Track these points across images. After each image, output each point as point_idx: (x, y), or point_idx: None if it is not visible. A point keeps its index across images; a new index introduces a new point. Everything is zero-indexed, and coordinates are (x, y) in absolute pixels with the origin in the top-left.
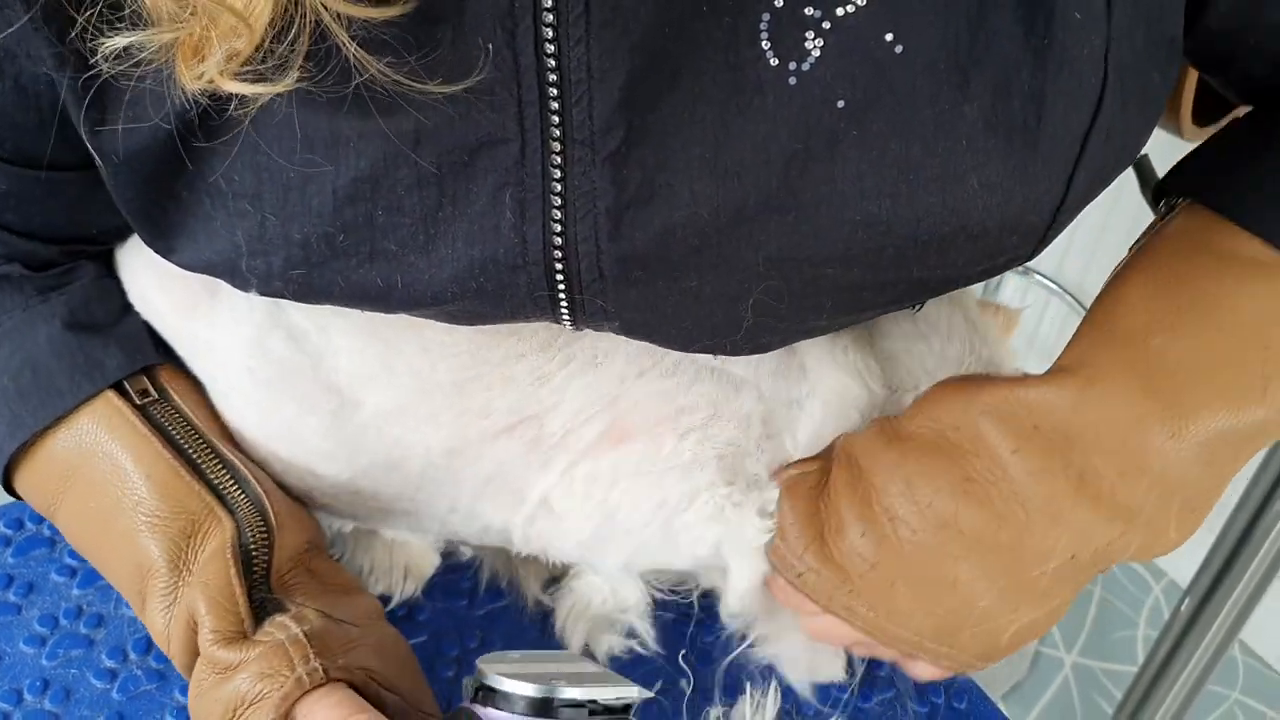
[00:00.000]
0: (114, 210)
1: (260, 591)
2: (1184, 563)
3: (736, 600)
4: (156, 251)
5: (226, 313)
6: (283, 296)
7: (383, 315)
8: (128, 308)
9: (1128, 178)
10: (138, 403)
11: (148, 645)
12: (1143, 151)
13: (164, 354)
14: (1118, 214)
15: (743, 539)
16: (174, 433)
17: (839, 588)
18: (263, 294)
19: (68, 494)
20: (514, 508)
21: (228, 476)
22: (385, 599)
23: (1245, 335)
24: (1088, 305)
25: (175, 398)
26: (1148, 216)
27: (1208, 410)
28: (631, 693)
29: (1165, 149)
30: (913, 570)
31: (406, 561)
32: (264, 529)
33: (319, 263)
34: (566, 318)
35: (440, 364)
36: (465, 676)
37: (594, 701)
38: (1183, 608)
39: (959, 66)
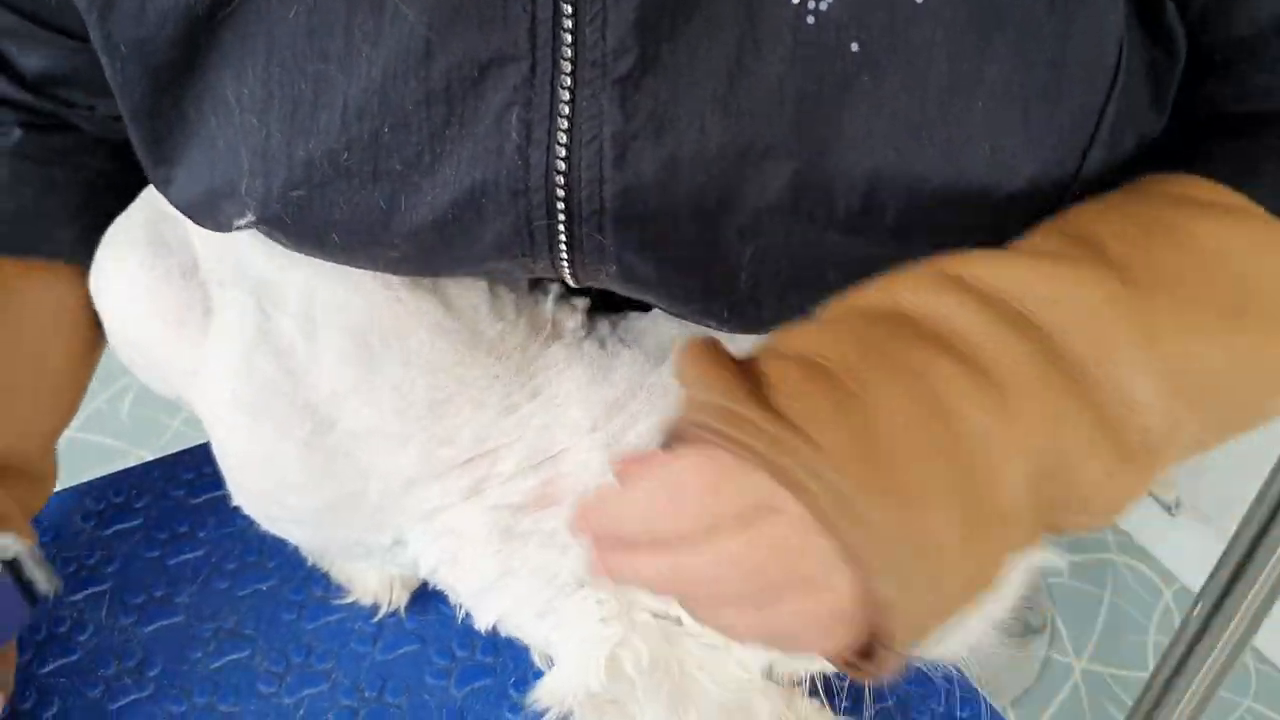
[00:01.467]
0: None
1: None
2: (1195, 568)
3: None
4: (156, 182)
5: (216, 329)
6: (278, 225)
7: (370, 322)
8: (17, 194)
9: None
10: None
11: (140, 653)
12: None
13: (8, 249)
14: None
15: (582, 645)
16: None
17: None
18: (259, 220)
19: None
20: (434, 538)
21: None
22: (376, 608)
23: (1212, 261)
24: None
25: None
26: None
27: (1173, 319)
28: (5, 543)
29: None
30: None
31: (392, 576)
32: None
33: (321, 183)
34: (564, 258)
35: (420, 379)
36: (455, 687)
37: None
38: (1195, 613)
39: (982, 25)
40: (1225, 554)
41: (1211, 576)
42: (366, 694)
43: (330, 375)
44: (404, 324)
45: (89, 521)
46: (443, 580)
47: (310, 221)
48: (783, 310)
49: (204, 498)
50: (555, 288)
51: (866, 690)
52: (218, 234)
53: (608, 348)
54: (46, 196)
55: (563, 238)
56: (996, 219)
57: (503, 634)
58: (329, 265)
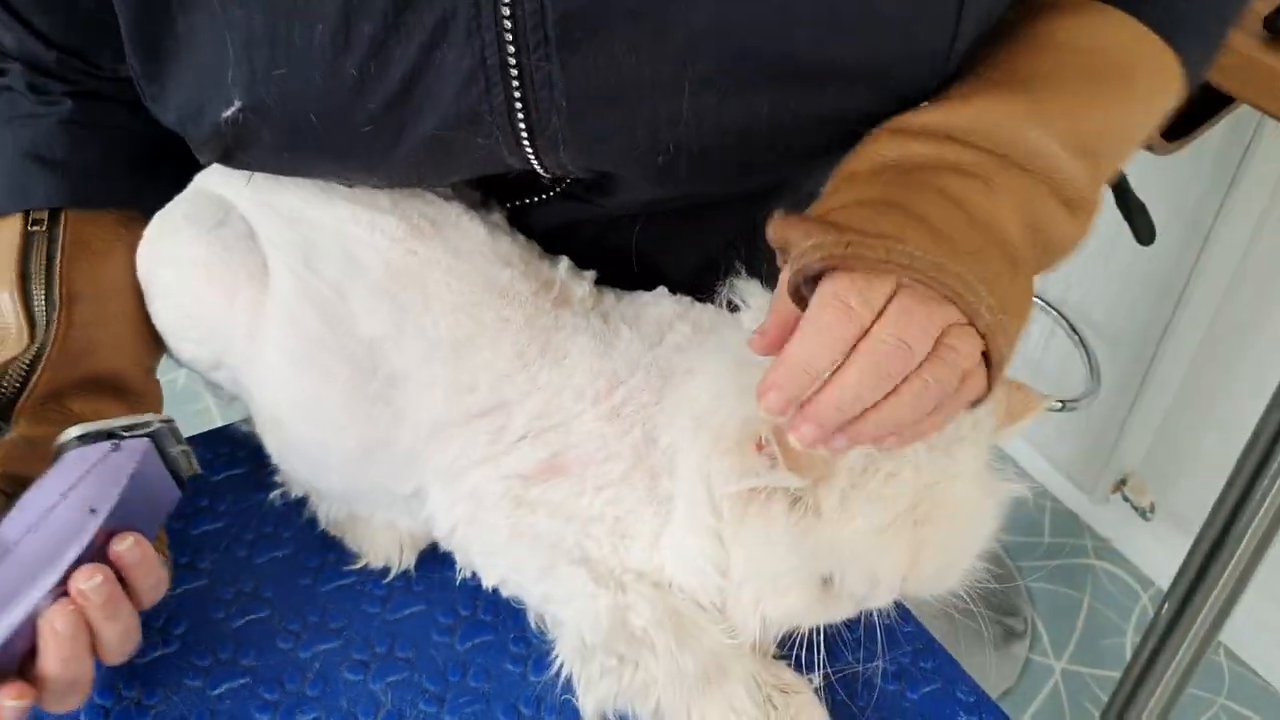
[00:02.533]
0: (106, 35)
1: None
2: (1171, 572)
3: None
4: (149, 101)
5: (262, 293)
6: (262, 113)
7: (390, 274)
8: (81, 155)
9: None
10: (27, 229)
11: (166, 614)
12: (1122, 173)
13: (88, 203)
14: (1097, 234)
15: (574, 625)
16: (31, 260)
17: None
18: (245, 105)
19: None
20: (454, 501)
21: (43, 300)
22: (385, 570)
23: (1064, 52)
24: (1072, 321)
25: (59, 236)
26: (1124, 236)
27: (1058, 108)
28: (147, 418)
29: (1143, 170)
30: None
31: (402, 536)
32: (28, 366)
33: (300, 58)
34: (517, 98)
35: (441, 319)
36: (458, 643)
37: (110, 431)
38: (1163, 611)
39: None
40: (1189, 555)
41: (1177, 577)
42: (377, 649)
43: (365, 323)
44: (419, 272)
45: None
46: (457, 539)
47: (290, 105)
48: (726, 171)
49: (223, 475)
50: (565, 259)
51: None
52: (264, 207)
53: (610, 324)
54: (106, 156)
55: (514, 73)
56: (896, 73)
57: (504, 594)
58: (350, 229)
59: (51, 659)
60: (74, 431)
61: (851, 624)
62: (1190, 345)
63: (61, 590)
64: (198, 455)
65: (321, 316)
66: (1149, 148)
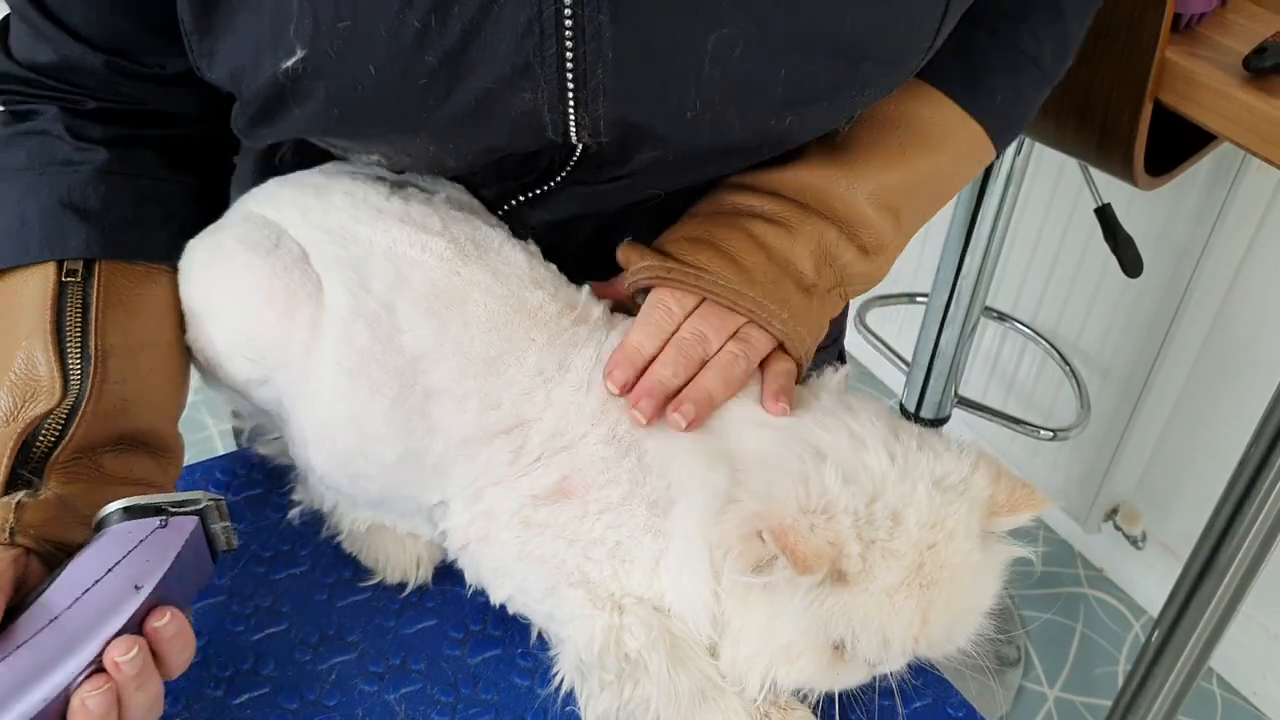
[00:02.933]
0: (156, 26)
1: (23, 468)
2: (1163, 600)
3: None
4: (200, 58)
5: (319, 311)
6: (321, 65)
7: (435, 293)
8: (116, 207)
9: (1095, 233)
10: (61, 279)
11: None
12: (1106, 202)
13: (121, 255)
14: (1086, 265)
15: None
16: (66, 312)
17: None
18: (306, 56)
19: None
20: (472, 518)
21: (78, 353)
22: (398, 586)
23: (883, 126)
24: (1063, 351)
25: (94, 288)
26: (1115, 268)
27: (866, 170)
28: (195, 495)
29: (1127, 201)
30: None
31: (418, 553)
32: (63, 421)
33: (366, 10)
34: (569, 49)
35: (477, 338)
36: (469, 656)
37: (158, 505)
38: (1153, 638)
39: None
40: (1178, 582)
41: (1166, 604)
42: (391, 662)
43: (409, 339)
44: (462, 292)
45: None
46: (469, 555)
47: (351, 57)
48: (733, 120)
49: (242, 495)
50: (587, 286)
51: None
52: (315, 229)
53: (613, 338)
54: (139, 208)
55: (568, 29)
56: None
57: (511, 611)
58: (402, 249)
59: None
60: (119, 504)
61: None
62: (1179, 376)
63: (96, 661)
64: (216, 475)
65: (372, 333)
66: (1132, 182)
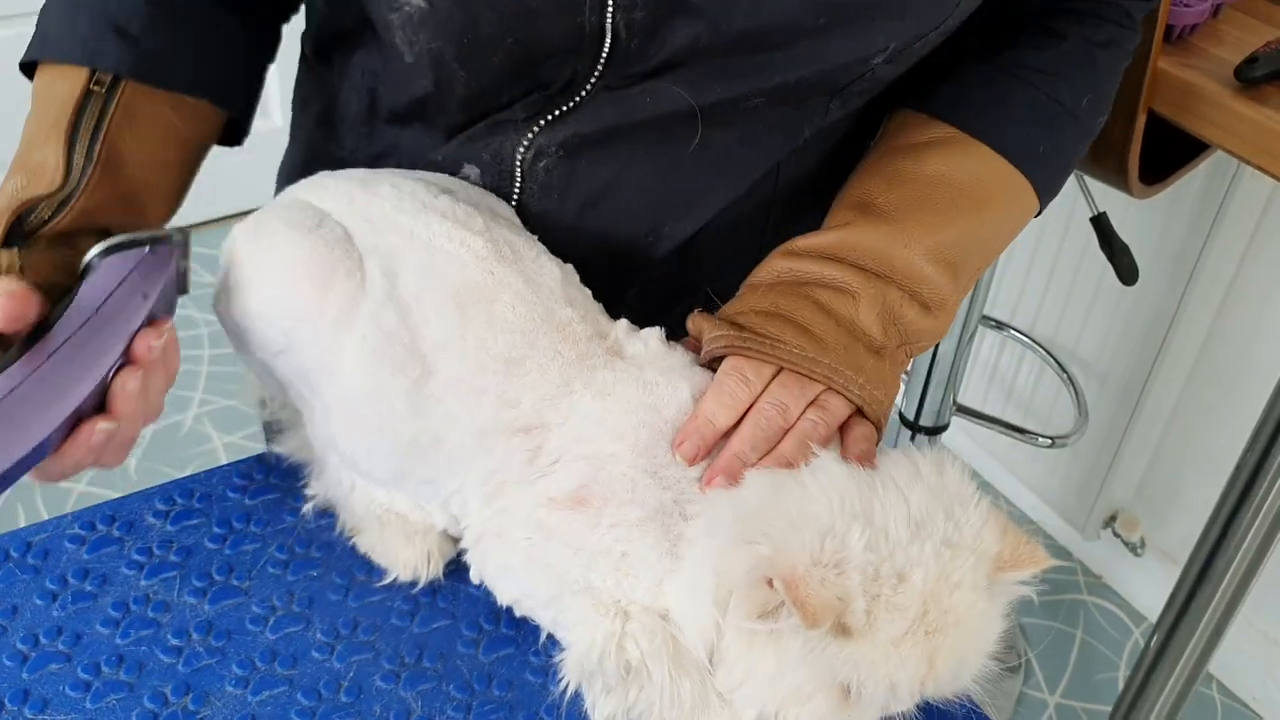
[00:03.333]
0: None
1: (16, 234)
2: (1161, 605)
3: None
4: None
5: (356, 288)
6: None
7: (466, 288)
8: (155, 34)
9: (1092, 242)
10: (90, 86)
11: (207, 627)
12: (1102, 211)
13: (148, 79)
14: (1084, 274)
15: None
16: (84, 116)
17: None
18: None
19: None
20: (490, 515)
21: (83, 154)
22: (412, 586)
23: (934, 184)
24: (1060, 359)
25: (114, 101)
26: (1112, 276)
27: (920, 229)
28: (167, 231)
29: (1123, 209)
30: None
31: (429, 549)
32: (55, 207)
33: None
34: None
35: (500, 338)
36: (482, 655)
37: (139, 239)
38: (1152, 643)
39: None
40: (1176, 588)
41: (1164, 609)
42: (406, 660)
43: (435, 328)
44: (492, 291)
45: (159, 518)
46: (480, 550)
47: None
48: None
49: (258, 500)
50: (623, 320)
51: None
52: (358, 217)
53: (660, 389)
54: (178, 39)
55: None
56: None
57: (518, 614)
58: (441, 242)
59: (122, 407)
60: (106, 243)
61: None
62: (1176, 383)
63: (125, 354)
64: (234, 479)
65: (401, 317)
66: (1127, 190)
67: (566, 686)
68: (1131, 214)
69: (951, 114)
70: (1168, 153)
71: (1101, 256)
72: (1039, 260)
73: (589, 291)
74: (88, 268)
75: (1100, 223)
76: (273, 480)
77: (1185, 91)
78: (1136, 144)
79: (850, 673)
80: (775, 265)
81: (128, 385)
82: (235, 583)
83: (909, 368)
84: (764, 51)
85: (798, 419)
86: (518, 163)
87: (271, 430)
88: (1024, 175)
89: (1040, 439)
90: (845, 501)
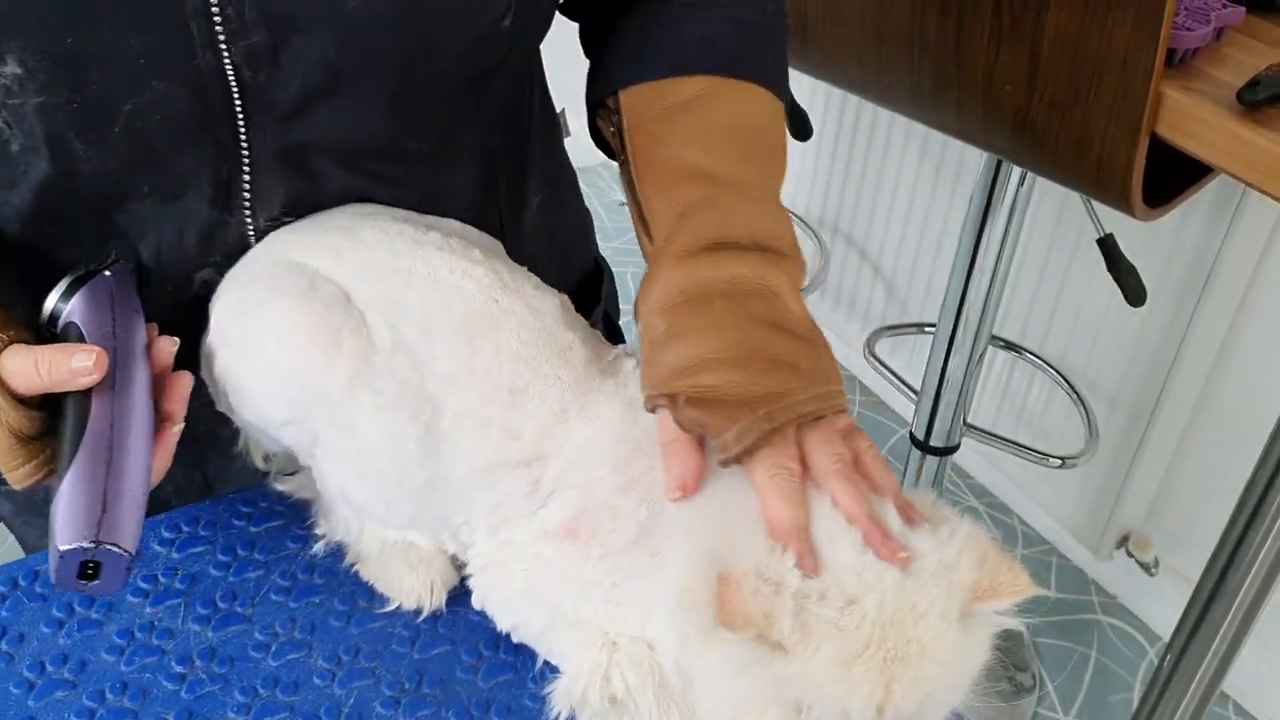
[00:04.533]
0: None
1: None
2: (1174, 625)
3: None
4: None
5: (364, 346)
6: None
7: (472, 319)
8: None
9: (1101, 263)
10: None
11: (211, 654)
12: (1108, 232)
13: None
14: (1094, 294)
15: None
16: None
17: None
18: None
19: None
20: (494, 547)
21: None
22: (414, 614)
23: (735, 135)
24: (1071, 379)
25: None
26: (1122, 297)
27: (761, 186)
28: (103, 256)
29: (1131, 230)
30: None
31: (431, 579)
32: None
33: None
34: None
35: (506, 367)
36: (481, 680)
37: (91, 270)
38: (1165, 663)
39: None
40: (1188, 606)
41: (1177, 628)
42: (407, 686)
43: (444, 363)
44: (498, 319)
45: (165, 546)
46: (483, 580)
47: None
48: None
49: (262, 527)
50: (624, 345)
51: None
52: (351, 266)
53: (639, 405)
54: None
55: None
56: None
57: (514, 640)
58: (443, 275)
59: (179, 407)
60: (64, 282)
61: None
62: (1187, 403)
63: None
64: (239, 507)
65: (412, 363)
66: (1130, 213)
67: (559, 715)
68: (1140, 235)
69: (693, 66)
70: (1172, 174)
71: (1109, 278)
72: (1048, 281)
73: (583, 319)
74: (55, 313)
75: (1107, 244)
76: (277, 508)
77: (1187, 115)
78: (1139, 167)
79: (798, 690)
80: (673, 279)
81: (183, 392)
82: (239, 610)
83: (920, 385)
84: (397, 46)
85: (850, 453)
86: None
87: (276, 474)
88: (777, 96)
89: (1051, 459)
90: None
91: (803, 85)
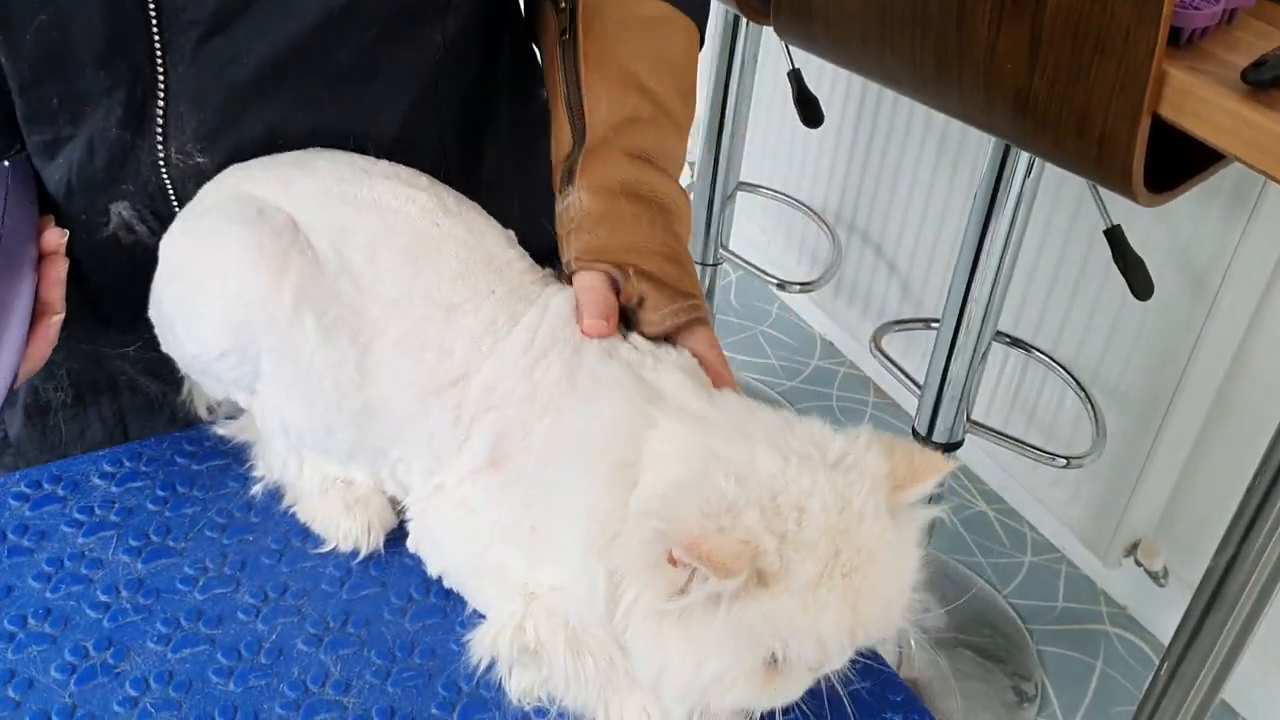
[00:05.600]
0: None
1: None
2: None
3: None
4: None
5: (311, 268)
6: None
7: (415, 241)
8: None
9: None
10: None
11: (137, 585)
12: (1116, 224)
13: None
14: (1106, 293)
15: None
16: None
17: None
18: None
19: None
20: (427, 484)
21: None
22: (346, 554)
23: (675, 68)
24: (1082, 380)
25: None
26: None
27: (684, 120)
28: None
29: (1146, 225)
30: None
31: (369, 520)
32: None
33: None
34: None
35: (444, 285)
36: (409, 623)
37: None
38: (1162, 671)
39: None
40: (1187, 612)
41: (1176, 632)
42: (331, 625)
43: (388, 285)
44: (439, 241)
45: (105, 480)
46: (422, 522)
47: None
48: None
49: (204, 465)
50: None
51: None
52: (297, 196)
53: (562, 298)
54: None
55: None
56: None
57: (445, 586)
58: (387, 200)
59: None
60: None
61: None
62: (1202, 406)
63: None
64: (183, 445)
65: (356, 285)
66: (1133, 198)
67: (479, 662)
68: (1155, 230)
69: None
70: (1186, 164)
71: (1118, 280)
72: (1062, 279)
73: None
74: None
75: (1114, 235)
76: (222, 448)
77: (1188, 94)
78: (1141, 148)
79: (772, 638)
80: (617, 168)
81: (58, 276)
82: (171, 543)
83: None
84: None
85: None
86: (167, 183)
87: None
88: (698, 27)
89: (1057, 459)
90: (702, 455)
91: (819, 72)
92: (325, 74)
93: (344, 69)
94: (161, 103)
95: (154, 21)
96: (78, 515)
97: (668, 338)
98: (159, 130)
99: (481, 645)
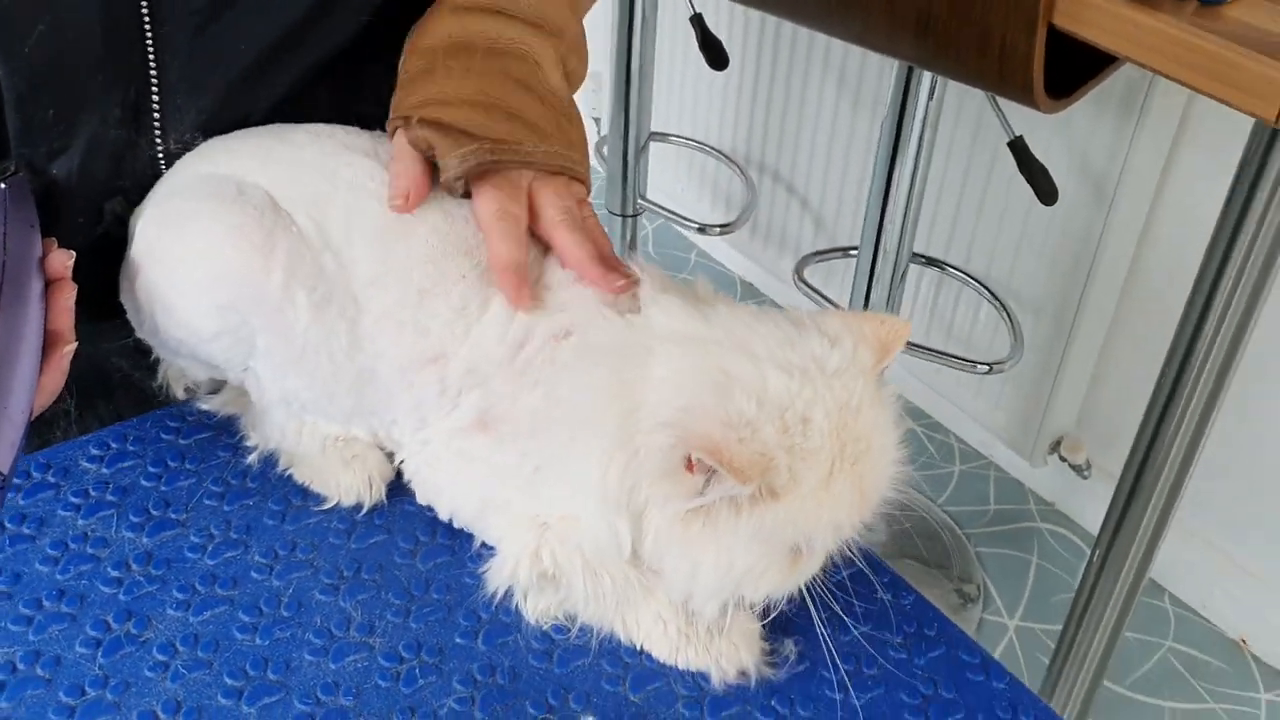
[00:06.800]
0: None
1: None
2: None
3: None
4: None
5: (297, 244)
6: None
7: (389, 225)
8: None
9: (1018, 173)
10: None
11: (146, 558)
12: (1019, 135)
13: None
14: (1011, 207)
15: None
16: None
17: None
18: None
19: None
20: (419, 445)
21: None
22: (351, 510)
23: None
24: (996, 291)
25: None
26: (1038, 205)
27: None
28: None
29: (1047, 135)
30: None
31: (369, 473)
32: None
33: None
34: None
35: (417, 269)
36: (420, 563)
37: None
38: (1094, 558)
39: None
40: (1112, 500)
41: (1104, 523)
42: (345, 574)
43: (363, 266)
44: (412, 224)
45: (94, 463)
46: (416, 478)
47: None
48: None
49: (191, 439)
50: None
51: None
52: (276, 171)
53: (542, 281)
54: None
55: None
56: None
57: (456, 526)
58: (364, 182)
59: (67, 325)
60: None
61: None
62: (1108, 304)
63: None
64: (167, 422)
65: (338, 262)
66: (1035, 106)
67: (496, 592)
68: (1055, 141)
69: None
70: (1083, 73)
71: (1024, 191)
72: (968, 197)
73: None
74: None
75: (1017, 146)
76: (206, 422)
77: (1083, 3)
78: (1039, 58)
79: (795, 532)
80: (443, 24)
81: (67, 303)
82: (173, 515)
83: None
84: None
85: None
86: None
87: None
88: None
89: (979, 366)
90: (713, 375)
91: (720, 15)
92: (322, 56)
93: (340, 50)
94: (157, 98)
95: (145, 16)
96: (73, 499)
97: (469, 191)
98: (156, 124)
99: (499, 575)
